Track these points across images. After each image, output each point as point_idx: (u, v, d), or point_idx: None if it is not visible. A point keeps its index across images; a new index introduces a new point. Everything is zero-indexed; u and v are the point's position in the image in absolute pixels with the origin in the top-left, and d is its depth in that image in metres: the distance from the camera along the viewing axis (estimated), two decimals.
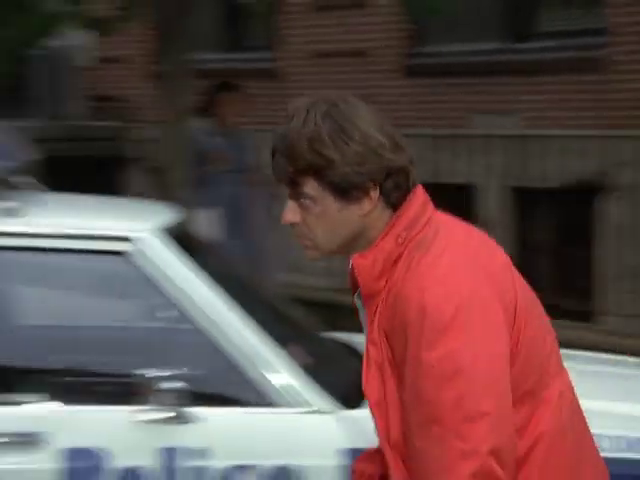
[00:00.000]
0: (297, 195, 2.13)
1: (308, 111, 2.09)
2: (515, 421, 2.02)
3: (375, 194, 2.10)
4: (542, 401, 2.10)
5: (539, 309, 2.23)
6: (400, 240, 2.11)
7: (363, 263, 2.13)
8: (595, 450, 2.29)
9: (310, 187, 2.10)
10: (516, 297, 2.11)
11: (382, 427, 2.09)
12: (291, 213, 2.16)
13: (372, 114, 2.15)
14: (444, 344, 1.95)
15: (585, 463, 2.21)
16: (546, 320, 2.25)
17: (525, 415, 2.07)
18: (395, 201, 2.14)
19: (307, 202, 2.12)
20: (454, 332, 1.97)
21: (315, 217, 2.14)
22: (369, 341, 2.14)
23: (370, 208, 2.12)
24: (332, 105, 2.11)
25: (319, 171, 2.07)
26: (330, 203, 2.11)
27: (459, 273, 2.05)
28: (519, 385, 2.05)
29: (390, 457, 2.08)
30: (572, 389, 2.24)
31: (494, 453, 1.92)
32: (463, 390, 1.94)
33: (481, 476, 1.91)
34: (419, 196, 2.18)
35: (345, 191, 2.09)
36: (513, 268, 2.22)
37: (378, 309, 2.12)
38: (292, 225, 2.18)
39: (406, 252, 2.11)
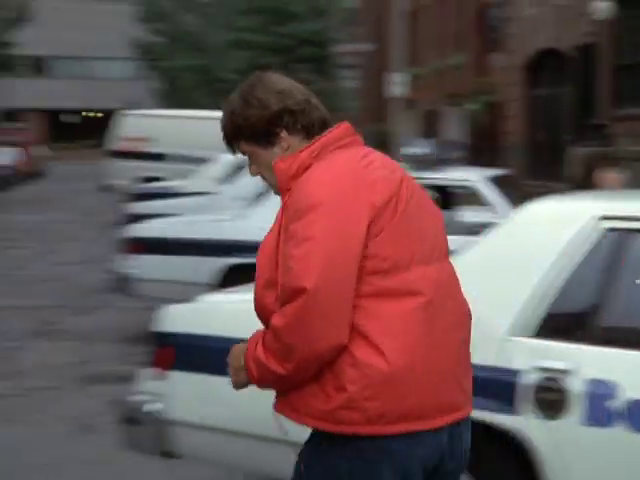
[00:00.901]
0: (242, 154, 3.02)
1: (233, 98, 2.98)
2: (370, 282, 2.73)
3: (285, 134, 2.91)
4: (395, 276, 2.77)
5: (428, 216, 2.94)
6: (314, 154, 2.87)
7: (282, 166, 2.90)
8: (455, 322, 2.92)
9: (243, 146, 2.97)
10: (391, 200, 2.78)
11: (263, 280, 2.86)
12: (250, 168, 3.04)
13: (282, 83, 2.97)
14: (306, 219, 2.70)
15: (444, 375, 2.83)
16: (432, 224, 2.94)
17: (382, 282, 2.75)
18: (314, 133, 2.93)
19: (250, 158, 2.99)
20: (316, 213, 2.70)
21: (258, 166, 2.98)
22: (274, 224, 2.88)
23: (287, 145, 2.92)
24: (247, 85, 2.98)
25: (239, 134, 2.95)
26: (260, 152, 2.95)
27: (336, 176, 2.79)
28: (378, 258, 2.74)
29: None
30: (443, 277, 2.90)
31: (316, 289, 2.63)
32: (310, 249, 2.66)
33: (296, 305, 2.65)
34: (338, 130, 2.95)
35: (261, 140, 2.92)
36: (408, 185, 2.89)
37: (286, 202, 2.83)
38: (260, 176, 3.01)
39: (315, 163, 2.86)
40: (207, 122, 21.89)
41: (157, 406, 4.46)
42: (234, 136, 2.97)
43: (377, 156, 2.94)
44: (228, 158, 15.28)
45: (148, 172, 20.60)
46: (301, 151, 2.87)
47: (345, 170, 2.81)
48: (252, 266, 2.96)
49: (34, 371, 8.12)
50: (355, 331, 2.71)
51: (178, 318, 4.64)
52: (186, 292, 5.44)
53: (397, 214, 2.79)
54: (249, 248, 8.24)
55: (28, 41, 40.53)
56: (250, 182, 11.09)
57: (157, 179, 19.44)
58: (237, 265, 8.47)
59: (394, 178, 2.87)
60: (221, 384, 3.80)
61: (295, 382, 2.78)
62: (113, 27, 53.17)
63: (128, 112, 23.70)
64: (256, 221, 8.20)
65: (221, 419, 4.38)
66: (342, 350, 2.70)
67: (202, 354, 4.42)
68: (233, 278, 7.88)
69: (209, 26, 43.24)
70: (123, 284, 9.44)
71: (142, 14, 46.74)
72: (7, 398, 7.33)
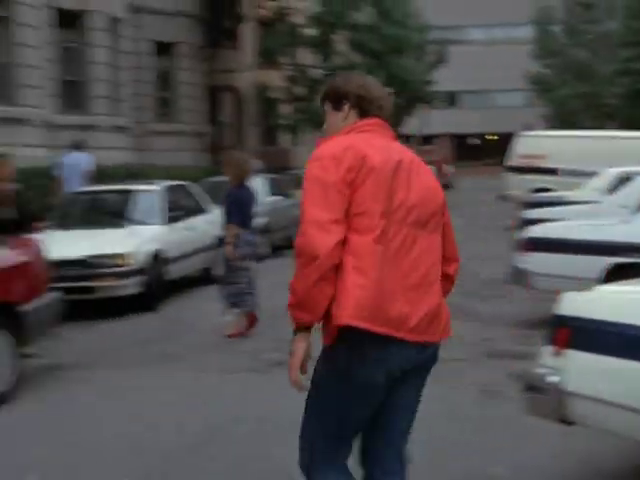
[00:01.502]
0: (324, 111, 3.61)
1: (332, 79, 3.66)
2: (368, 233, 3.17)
3: (346, 108, 3.48)
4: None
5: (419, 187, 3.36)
6: (345, 132, 3.44)
7: (323, 139, 3.49)
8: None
9: (325, 105, 3.56)
10: (381, 172, 3.23)
11: None
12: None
13: (377, 87, 3.54)
14: (309, 169, 3.28)
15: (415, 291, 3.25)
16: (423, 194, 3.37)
17: (366, 231, 3.18)
18: (363, 116, 3.47)
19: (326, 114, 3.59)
20: (314, 166, 3.26)
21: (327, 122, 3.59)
22: None
23: (344, 114, 3.49)
24: (348, 75, 3.67)
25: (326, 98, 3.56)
26: (330, 112, 3.55)
27: (341, 146, 3.28)
28: (360, 210, 3.18)
29: None
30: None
31: (315, 227, 3.12)
32: (309, 187, 3.24)
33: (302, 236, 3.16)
34: (373, 120, 3.45)
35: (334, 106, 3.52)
36: (409, 167, 3.37)
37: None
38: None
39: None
40: (595, 140, 21.75)
41: (556, 378, 4.46)
42: (325, 96, 3.57)
43: (389, 144, 3.41)
44: (613, 172, 14.88)
45: (540, 184, 20.73)
46: (344, 128, 3.46)
47: (347, 144, 3.32)
48: (634, 265, 2.95)
49: (450, 344, 8.26)
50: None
51: (575, 304, 4.65)
52: (575, 286, 5.38)
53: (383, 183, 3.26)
54: (632, 249, 8.24)
55: (443, 79, 42.23)
56: (632, 192, 10.95)
57: (547, 190, 19.47)
58: (621, 264, 8.35)
59: (386, 159, 3.29)
60: (614, 363, 3.93)
61: None
62: (512, 64, 53.78)
63: (524, 134, 23.94)
64: (638, 226, 8.62)
65: (614, 394, 4.31)
66: None
67: (596, 336, 4.40)
68: (616, 275, 7.82)
69: (595, 57, 42.60)
70: (520, 277, 9.56)
71: (537, 52, 46.97)
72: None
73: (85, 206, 12.30)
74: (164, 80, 26.13)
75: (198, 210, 12.95)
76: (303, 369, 3.20)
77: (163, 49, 25.84)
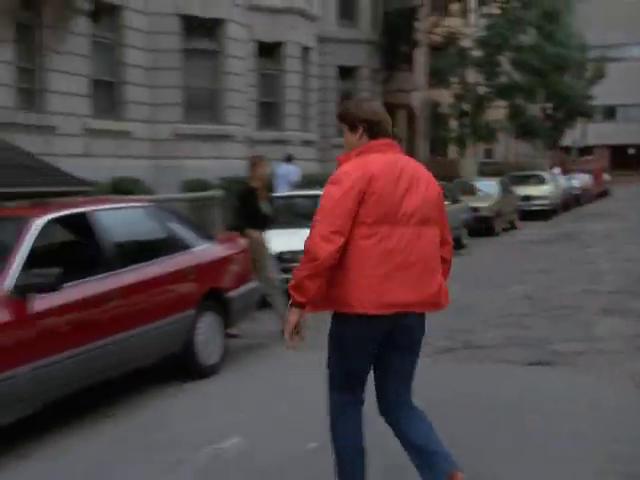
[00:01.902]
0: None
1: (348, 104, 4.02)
2: (362, 231, 3.63)
3: (360, 131, 3.84)
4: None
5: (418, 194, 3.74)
6: (356, 153, 3.81)
7: (341, 157, 3.87)
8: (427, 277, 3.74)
9: (342, 126, 3.94)
10: (386, 186, 3.65)
11: None
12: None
13: (382, 112, 3.91)
14: (327, 189, 3.67)
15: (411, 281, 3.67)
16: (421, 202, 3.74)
17: (371, 235, 3.62)
18: (372, 137, 3.83)
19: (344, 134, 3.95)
20: (330, 185, 3.68)
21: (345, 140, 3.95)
22: None
23: (358, 136, 3.86)
24: (358, 101, 4.11)
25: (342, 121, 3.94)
26: (347, 133, 3.91)
27: (353, 167, 3.70)
28: (366, 216, 3.62)
29: None
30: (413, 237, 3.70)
31: (320, 237, 3.54)
32: (323, 204, 3.62)
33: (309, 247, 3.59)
34: (381, 141, 3.82)
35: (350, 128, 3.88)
36: (421, 187, 3.76)
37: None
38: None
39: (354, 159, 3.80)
40: None
41: None
42: (341, 119, 3.93)
43: (396, 159, 3.79)
44: None
45: None
46: (357, 148, 3.83)
47: (360, 165, 3.71)
48: None
49: (605, 337, 8.08)
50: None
51: None
52: None
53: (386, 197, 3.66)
54: None
55: (602, 93, 40.93)
56: None
57: None
58: None
59: (390, 178, 3.69)
60: None
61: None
62: None
63: None
64: None
65: None
66: None
67: None
68: None
69: None
70: None
71: None
72: (587, 355, 7.38)
73: (281, 209, 12.72)
74: (346, 100, 26.52)
75: None
76: (300, 334, 3.76)
77: (346, 73, 26.28)
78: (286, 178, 16.34)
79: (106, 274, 6.02)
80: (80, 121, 15.84)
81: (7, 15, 13.91)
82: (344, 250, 3.60)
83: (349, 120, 3.87)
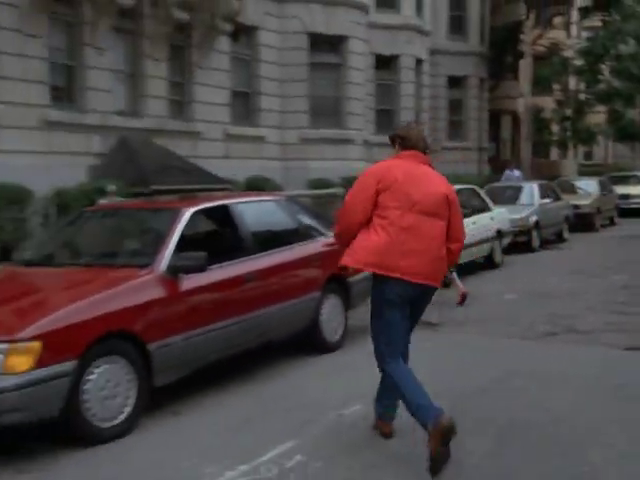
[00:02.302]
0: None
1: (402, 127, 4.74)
2: (387, 218, 4.26)
3: (397, 145, 4.57)
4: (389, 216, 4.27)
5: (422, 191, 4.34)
6: (394, 157, 4.55)
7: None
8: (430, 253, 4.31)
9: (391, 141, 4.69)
10: (401, 182, 4.32)
11: None
12: None
13: (415, 132, 4.59)
14: (360, 176, 4.45)
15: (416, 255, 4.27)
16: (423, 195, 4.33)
17: (387, 216, 4.26)
18: (404, 149, 4.53)
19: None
20: (362, 176, 4.45)
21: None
22: None
23: (396, 148, 4.58)
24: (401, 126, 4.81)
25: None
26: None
27: (381, 167, 4.45)
28: (383, 205, 4.29)
29: None
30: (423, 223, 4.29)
31: (348, 207, 4.42)
32: (347, 199, 4.42)
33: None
34: (410, 153, 4.49)
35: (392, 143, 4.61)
36: (427, 189, 4.36)
37: None
38: None
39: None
40: None
41: None
42: (390, 139, 4.64)
43: (415, 167, 4.44)
44: None
45: None
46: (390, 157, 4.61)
47: (378, 169, 4.47)
48: None
49: None
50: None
51: None
52: None
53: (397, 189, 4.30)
54: None
55: None
56: None
57: None
58: None
59: (405, 176, 4.36)
60: None
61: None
62: None
63: None
64: None
65: None
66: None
67: None
68: None
69: None
70: None
71: None
72: None
73: None
74: (454, 107, 26.30)
75: (483, 208, 12.92)
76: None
77: (455, 82, 25.98)
78: (513, 178, 18.74)
79: (244, 259, 6.18)
80: (221, 127, 16.28)
81: (163, 38, 14.45)
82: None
83: (391, 138, 4.66)
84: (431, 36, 23.94)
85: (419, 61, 22.77)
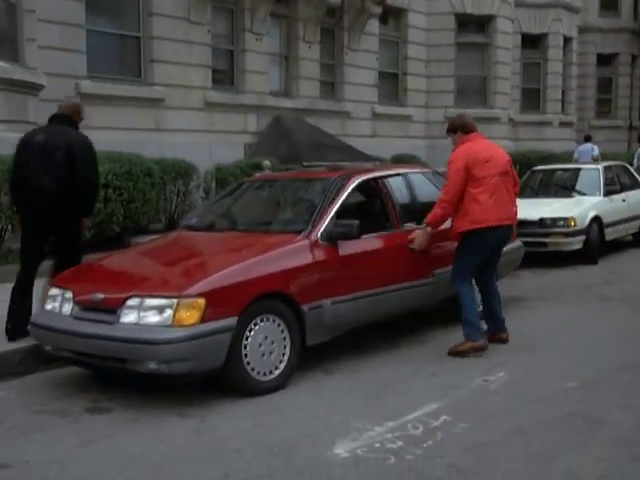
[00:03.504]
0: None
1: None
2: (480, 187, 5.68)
3: (459, 132, 5.93)
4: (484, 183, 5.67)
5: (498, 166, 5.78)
6: (460, 142, 5.89)
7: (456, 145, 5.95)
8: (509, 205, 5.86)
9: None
10: (483, 161, 5.71)
11: None
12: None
13: (469, 118, 6.10)
14: (451, 162, 5.80)
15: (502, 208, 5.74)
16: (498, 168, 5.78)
17: (479, 186, 5.67)
18: (466, 134, 5.89)
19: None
20: (452, 161, 5.80)
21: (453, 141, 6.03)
22: None
23: (458, 135, 5.94)
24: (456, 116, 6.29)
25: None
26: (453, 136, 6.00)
27: (463, 151, 5.77)
28: (475, 177, 5.66)
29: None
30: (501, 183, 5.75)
31: (449, 187, 5.79)
32: (449, 171, 5.78)
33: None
34: (473, 135, 5.87)
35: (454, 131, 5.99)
36: (497, 156, 5.84)
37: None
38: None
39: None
40: None
41: None
42: (447, 129, 6.00)
43: (481, 143, 5.85)
44: None
45: None
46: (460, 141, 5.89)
47: (465, 148, 5.77)
48: None
49: None
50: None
51: None
52: None
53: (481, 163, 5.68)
54: None
55: None
56: None
57: None
58: None
59: (483, 152, 5.76)
60: None
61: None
62: None
63: None
64: None
65: None
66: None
67: None
68: None
69: None
70: None
71: None
72: None
73: (541, 180, 12.23)
74: (603, 85, 24.95)
75: (633, 185, 12.17)
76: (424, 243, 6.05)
77: (604, 60, 24.65)
78: (589, 154, 16.64)
79: (395, 230, 6.15)
80: (369, 107, 16.29)
81: (315, 22, 14.60)
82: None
83: (452, 129, 5.95)
84: (581, 13, 22.75)
85: (568, 39, 21.75)
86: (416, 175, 7.10)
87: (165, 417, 4.42)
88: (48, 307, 5.18)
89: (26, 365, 5.40)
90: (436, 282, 6.39)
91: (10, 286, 5.79)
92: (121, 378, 4.90)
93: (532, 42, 20.87)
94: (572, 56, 22.30)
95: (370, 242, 5.82)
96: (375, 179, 6.40)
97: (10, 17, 9.55)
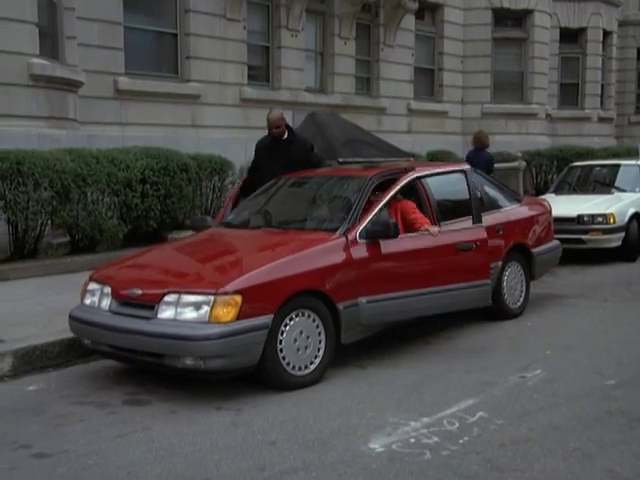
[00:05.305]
0: None
1: None
2: None
3: None
4: None
5: None
6: None
7: None
8: None
9: None
10: None
11: None
12: None
13: None
14: None
15: None
16: None
17: None
18: None
19: None
20: None
21: None
22: None
23: None
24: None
25: None
26: None
27: None
28: None
29: None
30: None
31: None
32: None
33: None
34: None
35: None
36: None
37: None
38: None
39: None
40: None
41: None
42: None
43: None
44: None
45: None
46: None
47: None
48: None
49: None
50: None
51: None
52: None
53: None
54: None
55: None
56: None
57: None
58: None
59: None
60: None
61: None
62: None
63: None
64: None
65: None
66: None
67: None
68: None
69: None
70: None
71: None
72: None
73: (579, 176, 12.07)
74: None
75: None
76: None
77: None
78: None
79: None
80: (404, 103, 16.23)
81: (351, 18, 14.58)
82: None
83: None
84: (621, 7, 22.36)
85: (607, 33, 21.39)
86: (454, 174, 7.02)
87: (201, 410, 4.47)
88: (87, 302, 5.26)
89: (65, 357, 5.51)
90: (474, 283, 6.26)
91: (54, 279, 5.88)
92: (157, 372, 4.97)
93: (571, 36, 20.57)
94: (612, 50, 21.96)
95: (408, 242, 5.78)
96: (416, 179, 6.33)
97: (51, 15, 9.71)
